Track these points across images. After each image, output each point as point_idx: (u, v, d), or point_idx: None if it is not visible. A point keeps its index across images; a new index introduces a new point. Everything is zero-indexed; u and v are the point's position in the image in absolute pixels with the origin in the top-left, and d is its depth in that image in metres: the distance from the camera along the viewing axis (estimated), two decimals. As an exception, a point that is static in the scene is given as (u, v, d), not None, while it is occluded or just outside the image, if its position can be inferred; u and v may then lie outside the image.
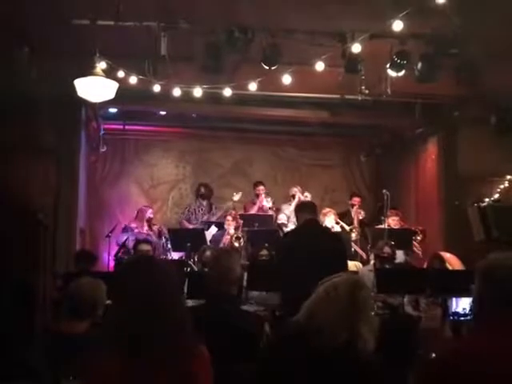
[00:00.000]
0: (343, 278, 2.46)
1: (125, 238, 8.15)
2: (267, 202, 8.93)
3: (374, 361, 2.36)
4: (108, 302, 3.81)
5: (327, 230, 5.67)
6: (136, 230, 8.40)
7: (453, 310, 5.82)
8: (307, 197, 8.90)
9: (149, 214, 8.88)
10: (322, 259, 4.61)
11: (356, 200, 9.23)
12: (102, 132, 9.19)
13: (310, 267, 4.53)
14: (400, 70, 6.37)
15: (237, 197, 8.77)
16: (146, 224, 8.68)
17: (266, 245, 7.05)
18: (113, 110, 8.98)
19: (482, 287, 2.11)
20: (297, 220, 5.51)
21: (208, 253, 6.60)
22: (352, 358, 2.30)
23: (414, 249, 8.06)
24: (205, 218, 9.00)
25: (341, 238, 5.58)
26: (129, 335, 2.03)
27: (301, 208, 5.44)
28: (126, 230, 8.50)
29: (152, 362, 1.99)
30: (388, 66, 6.39)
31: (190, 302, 5.23)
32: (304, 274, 4.48)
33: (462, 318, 5.43)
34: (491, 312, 2.05)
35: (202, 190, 9.39)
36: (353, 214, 9.04)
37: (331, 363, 2.30)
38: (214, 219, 8.79)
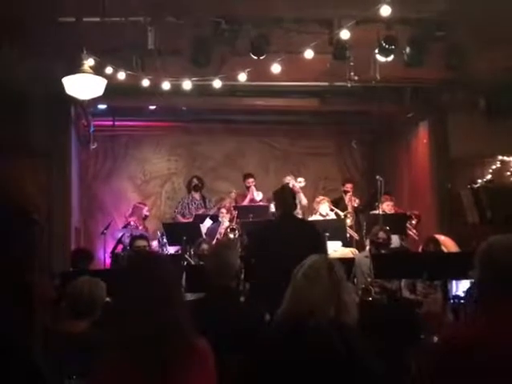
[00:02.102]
0: (315, 259, 2.55)
1: (120, 234, 8.15)
2: (257, 196, 8.96)
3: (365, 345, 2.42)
4: (107, 299, 3.82)
5: (302, 222, 5.66)
6: (140, 227, 8.46)
7: (453, 294, 5.84)
8: (301, 182, 8.90)
9: (145, 211, 8.92)
10: (297, 252, 4.60)
11: (348, 186, 9.25)
12: (92, 129, 9.14)
13: (283, 260, 4.55)
14: (388, 55, 6.36)
15: (234, 194, 8.88)
16: (142, 222, 8.71)
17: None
18: (102, 107, 8.93)
19: (483, 271, 2.11)
20: (274, 209, 5.43)
21: (204, 246, 6.61)
22: (341, 335, 2.37)
23: (410, 233, 8.09)
24: (200, 211, 9.00)
25: (316, 229, 5.54)
26: (131, 334, 2.03)
27: (276, 198, 5.37)
28: (126, 226, 8.52)
29: (155, 360, 1.99)
30: (376, 51, 6.37)
31: (188, 296, 5.24)
32: (277, 266, 4.50)
33: (463, 301, 5.45)
34: (492, 295, 2.06)
35: (195, 181, 9.38)
36: (346, 200, 9.06)
37: (323, 344, 2.35)
38: (210, 213, 8.80)
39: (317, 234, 5.18)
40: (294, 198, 5.60)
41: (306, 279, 2.48)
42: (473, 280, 2.22)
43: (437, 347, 2.17)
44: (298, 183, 8.82)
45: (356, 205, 9.04)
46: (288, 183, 8.80)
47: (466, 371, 1.94)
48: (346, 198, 9.07)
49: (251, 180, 9.16)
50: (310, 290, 2.44)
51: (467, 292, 5.45)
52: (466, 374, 1.93)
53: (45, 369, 3.11)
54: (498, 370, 1.92)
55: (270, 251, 4.89)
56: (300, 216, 7.85)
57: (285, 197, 5.35)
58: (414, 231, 8.16)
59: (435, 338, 3.48)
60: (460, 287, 5.98)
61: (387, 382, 2.49)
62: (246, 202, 8.93)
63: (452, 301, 5.63)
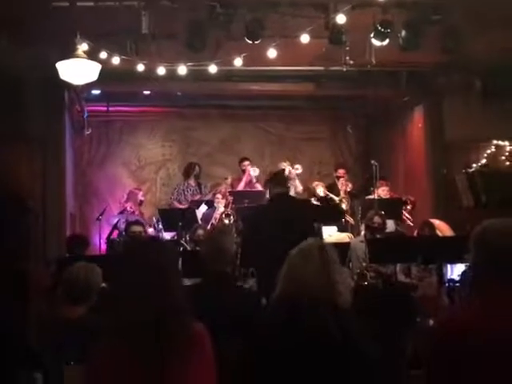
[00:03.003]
0: (310, 242, 2.61)
1: (116, 220, 8.14)
2: (254, 172, 8.93)
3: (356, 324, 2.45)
4: (103, 285, 3.82)
5: (298, 202, 5.73)
6: (136, 213, 8.45)
7: (448, 277, 5.87)
8: (298, 169, 8.90)
9: (140, 196, 8.91)
10: (293, 232, 4.63)
11: (341, 172, 9.23)
12: (86, 115, 9.09)
13: (281, 240, 4.57)
14: (384, 39, 6.33)
15: (229, 180, 8.86)
16: (138, 208, 8.70)
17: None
18: (96, 92, 8.88)
19: (477, 254, 2.11)
20: (268, 192, 5.49)
21: (200, 231, 6.61)
22: (337, 318, 2.40)
23: (405, 218, 8.11)
24: (196, 197, 8.98)
25: (312, 208, 5.60)
26: (128, 320, 2.03)
27: (271, 180, 5.41)
28: (122, 212, 8.51)
29: (152, 345, 2.00)
30: (372, 35, 6.35)
31: (184, 282, 5.24)
32: (276, 247, 4.52)
33: (458, 285, 5.49)
34: (486, 279, 2.07)
35: (198, 169, 9.31)
36: (339, 185, 9.04)
37: (318, 327, 2.38)
38: (206, 199, 8.79)
39: (312, 213, 5.23)
40: (287, 182, 5.64)
41: (298, 258, 2.54)
42: (468, 263, 2.23)
43: (433, 331, 2.18)
44: (294, 170, 8.82)
45: (349, 189, 9.03)
46: (284, 169, 8.83)
47: (462, 354, 1.95)
48: (339, 183, 9.06)
49: (247, 163, 9.13)
50: (303, 269, 2.49)
51: (462, 275, 5.48)
52: (462, 356, 1.95)
53: (42, 355, 3.13)
54: (493, 352, 1.93)
55: (262, 236, 4.91)
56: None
57: (279, 179, 5.39)
58: (409, 217, 8.16)
59: (431, 321, 3.52)
60: (455, 271, 6.01)
61: (383, 365, 2.51)
62: (241, 186, 8.90)
63: (447, 284, 5.66)
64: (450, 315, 2.19)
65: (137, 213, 8.62)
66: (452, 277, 5.93)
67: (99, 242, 8.20)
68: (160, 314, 2.01)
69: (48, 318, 3.54)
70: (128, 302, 2.04)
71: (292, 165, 8.88)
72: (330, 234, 7.69)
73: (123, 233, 7.49)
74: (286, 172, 8.68)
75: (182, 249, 6.92)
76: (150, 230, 8.08)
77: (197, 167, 9.31)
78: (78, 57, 6.13)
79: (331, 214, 7.69)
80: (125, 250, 2.37)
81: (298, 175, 8.86)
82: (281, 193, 5.21)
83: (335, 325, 2.38)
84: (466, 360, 1.94)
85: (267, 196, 8.34)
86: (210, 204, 8.39)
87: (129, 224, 7.24)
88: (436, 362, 2.02)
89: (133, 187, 9.54)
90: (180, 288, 2.16)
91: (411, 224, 8.11)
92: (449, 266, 6.04)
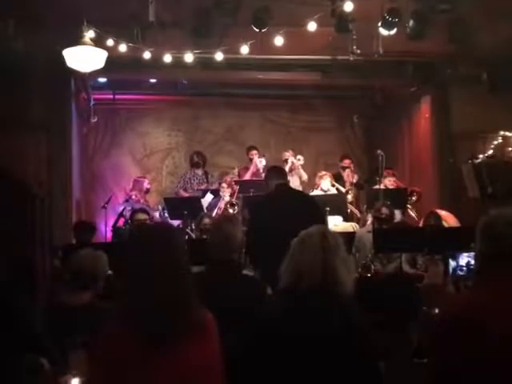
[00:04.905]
0: (313, 229, 2.63)
1: (122, 208, 8.17)
2: (260, 163, 8.92)
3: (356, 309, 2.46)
4: (109, 272, 3.84)
5: (300, 192, 5.72)
6: (142, 201, 8.47)
7: (454, 267, 5.86)
8: (300, 160, 8.91)
9: (146, 184, 8.92)
10: (296, 221, 4.63)
11: (346, 162, 9.21)
12: (93, 103, 9.08)
13: (284, 230, 4.57)
14: (391, 29, 6.31)
15: (236, 170, 8.90)
16: (144, 196, 8.72)
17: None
18: (102, 80, 8.87)
19: (483, 243, 2.13)
20: (267, 186, 5.50)
21: (206, 220, 6.61)
22: (339, 306, 2.41)
23: (408, 210, 8.09)
24: (202, 186, 8.98)
25: (314, 200, 5.59)
26: (134, 306, 2.04)
27: (270, 174, 5.44)
28: (128, 201, 8.52)
29: (158, 331, 2.00)
30: (379, 24, 6.31)
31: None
32: (279, 236, 4.53)
33: (464, 274, 5.48)
34: (492, 267, 2.07)
35: (196, 158, 9.31)
36: (345, 176, 9.03)
37: (321, 315, 2.40)
38: (212, 187, 8.79)
39: (315, 206, 5.22)
40: (286, 175, 5.67)
41: (299, 245, 2.57)
42: (474, 253, 2.23)
43: (436, 318, 2.19)
44: (297, 160, 8.82)
45: (355, 181, 9.02)
46: (287, 159, 8.83)
47: (466, 341, 1.96)
48: (345, 174, 9.04)
49: (254, 152, 9.12)
50: (301, 253, 2.52)
51: (468, 265, 5.48)
52: (465, 343, 1.96)
53: (47, 341, 3.15)
54: (496, 340, 1.94)
55: (267, 225, 4.91)
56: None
57: (278, 171, 5.42)
58: (411, 209, 8.13)
59: (436, 310, 3.53)
60: (461, 261, 6.00)
61: (388, 355, 2.52)
62: (248, 175, 8.89)
63: (453, 274, 5.65)
64: (454, 303, 2.20)
65: (142, 201, 8.63)
66: (458, 266, 5.92)
67: (105, 230, 8.23)
68: (168, 300, 2.02)
69: (54, 304, 3.56)
70: (133, 289, 2.05)
71: (294, 155, 8.89)
72: (336, 223, 7.69)
73: (129, 221, 7.51)
74: (289, 162, 8.72)
75: (187, 237, 6.93)
76: (156, 218, 8.10)
77: (195, 156, 9.28)
78: (84, 44, 6.14)
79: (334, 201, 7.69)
80: (129, 237, 2.37)
81: (301, 165, 8.87)
82: (281, 183, 5.23)
83: (335, 312, 2.38)
84: (469, 348, 1.95)
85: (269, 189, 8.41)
86: (216, 193, 8.40)
87: (134, 212, 7.26)
88: (438, 349, 2.03)
89: (137, 176, 9.55)
90: (188, 274, 2.17)
91: (414, 216, 8.07)
92: (455, 255, 6.03)
